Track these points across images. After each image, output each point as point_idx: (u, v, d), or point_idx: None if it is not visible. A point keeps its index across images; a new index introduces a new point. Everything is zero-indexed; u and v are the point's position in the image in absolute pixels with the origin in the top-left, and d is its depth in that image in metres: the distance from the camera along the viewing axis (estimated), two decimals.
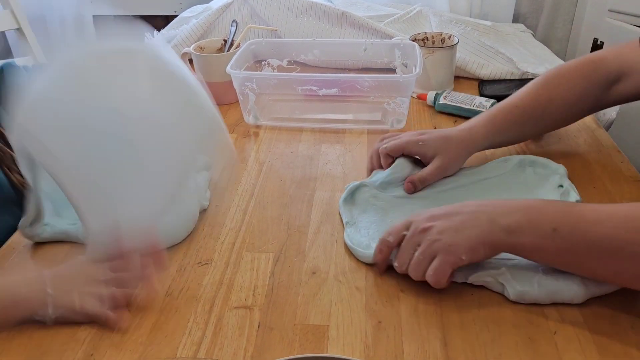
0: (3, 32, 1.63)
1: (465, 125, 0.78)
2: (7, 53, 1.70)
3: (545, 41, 1.37)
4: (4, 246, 0.70)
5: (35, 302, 0.56)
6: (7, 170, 0.80)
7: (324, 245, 0.68)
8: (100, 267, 0.60)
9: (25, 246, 0.69)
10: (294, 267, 0.65)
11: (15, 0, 1.40)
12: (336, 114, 0.99)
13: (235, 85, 0.95)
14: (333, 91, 0.93)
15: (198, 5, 1.34)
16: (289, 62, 1.07)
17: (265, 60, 1.06)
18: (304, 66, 1.10)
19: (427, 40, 1.07)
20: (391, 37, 1.11)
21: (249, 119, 0.99)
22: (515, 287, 0.57)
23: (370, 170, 0.79)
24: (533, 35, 1.35)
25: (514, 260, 0.60)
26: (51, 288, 0.56)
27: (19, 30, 1.44)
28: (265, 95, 1.00)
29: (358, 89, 0.92)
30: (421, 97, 1.03)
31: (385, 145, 0.77)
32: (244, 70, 0.98)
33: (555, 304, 0.57)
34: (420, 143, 0.75)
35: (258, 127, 0.98)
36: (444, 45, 1.05)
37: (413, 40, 1.03)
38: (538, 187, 0.74)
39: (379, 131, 0.94)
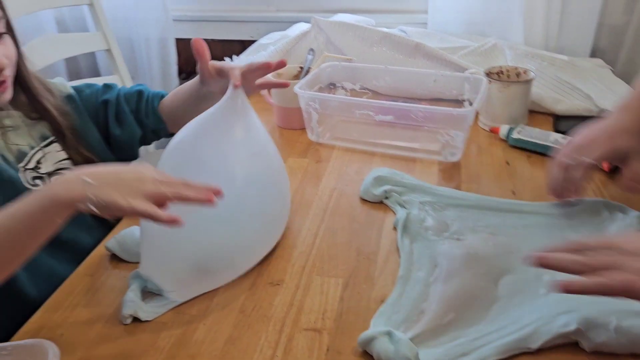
0: (93, 52, 1.75)
1: (620, 114, 0.74)
2: (95, 71, 1.82)
3: (625, 77, 1.32)
4: (87, 262, 0.75)
5: (74, 192, 0.55)
6: None
7: (393, 274, 0.69)
8: (147, 171, 0.59)
9: (107, 258, 0.74)
10: (363, 294, 0.66)
11: (106, 23, 1.51)
12: (396, 140, 1.00)
13: (301, 104, 1.00)
14: (388, 118, 0.95)
15: (275, 33, 1.40)
16: (362, 87, 1.10)
17: (339, 84, 1.10)
18: (376, 93, 1.12)
19: (502, 73, 1.06)
20: (465, 69, 1.12)
21: (312, 136, 1.04)
22: (591, 339, 0.56)
23: (557, 191, 0.76)
24: (612, 71, 1.31)
25: (584, 306, 0.58)
26: (90, 178, 0.55)
27: (108, 51, 1.54)
28: (328, 115, 1.03)
29: (413, 118, 0.93)
30: (493, 131, 1.02)
31: (597, 155, 0.71)
32: (315, 91, 1.02)
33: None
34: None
35: (331, 150, 1.00)
36: (520, 79, 1.05)
37: (487, 74, 1.03)
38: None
39: (445, 163, 0.94)
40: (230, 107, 0.68)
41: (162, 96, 0.95)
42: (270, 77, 1.06)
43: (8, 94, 0.75)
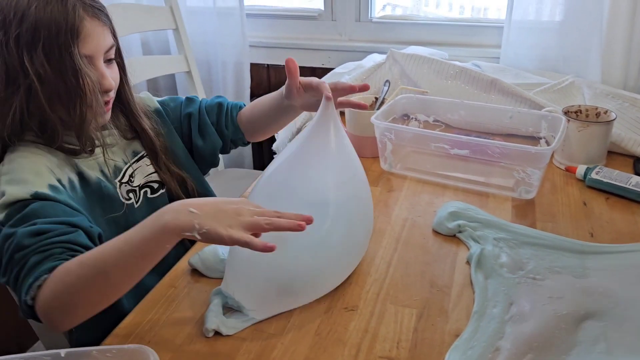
0: (173, 75, 1.85)
1: None
2: (174, 91, 1.92)
3: None
4: (171, 273, 0.79)
5: (182, 222, 0.59)
6: None
7: (467, 309, 0.69)
8: (243, 204, 0.63)
9: (188, 271, 0.78)
10: (437, 326, 0.67)
11: (189, 46, 1.59)
12: (469, 174, 1.00)
13: (377, 133, 1.02)
14: (464, 152, 0.95)
15: (350, 63, 1.44)
16: (435, 120, 1.11)
17: (413, 115, 1.12)
18: (448, 126, 1.13)
19: (581, 113, 1.05)
20: (541, 107, 1.11)
21: (384, 165, 1.06)
22: None
23: None
24: None
25: None
26: (196, 210, 0.60)
27: (188, 72, 1.63)
28: (402, 146, 1.05)
29: (489, 153, 0.93)
30: (570, 170, 1.01)
31: None
32: (389, 122, 1.04)
33: None
34: None
35: (402, 180, 1.02)
36: (599, 119, 1.03)
37: (565, 112, 1.03)
38: None
39: (519, 200, 0.94)
40: (324, 121, 0.71)
41: (241, 107, 1.00)
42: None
43: (109, 114, 0.81)
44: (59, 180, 0.74)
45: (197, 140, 0.97)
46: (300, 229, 0.60)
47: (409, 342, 0.64)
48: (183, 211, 0.60)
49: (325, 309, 0.70)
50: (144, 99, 0.95)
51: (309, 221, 0.61)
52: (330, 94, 0.72)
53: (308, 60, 1.79)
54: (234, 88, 1.81)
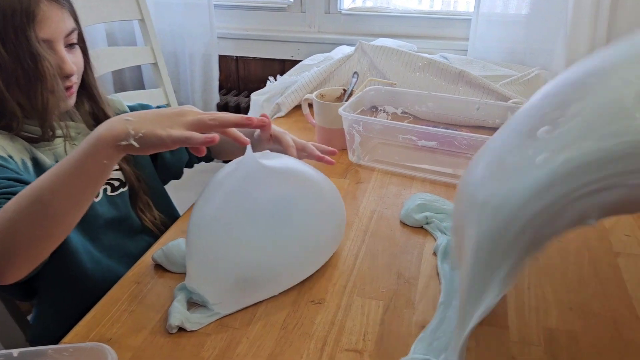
0: (139, 65, 1.81)
1: None
2: (140, 84, 1.88)
3: None
4: (134, 269, 0.77)
5: (116, 131, 0.58)
6: (141, 213, 0.89)
7: (434, 300, 0.69)
8: (189, 107, 0.63)
9: (152, 266, 0.76)
10: (404, 318, 0.66)
11: (155, 37, 1.56)
12: (437, 165, 1.01)
13: (345, 125, 1.02)
14: (431, 144, 0.95)
15: (319, 55, 1.43)
16: (403, 112, 1.12)
17: (381, 107, 1.12)
18: (417, 118, 1.13)
19: None
20: (507, 99, 1.12)
21: (352, 158, 1.05)
22: None
23: None
24: None
25: None
26: (131, 117, 0.59)
27: (155, 64, 1.59)
28: (370, 138, 1.05)
29: (456, 145, 0.93)
30: None
31: None
32: (357, 114, 1.03)
33: None
34: None
35: (370, 172, 1.02)
36: None
37: None
38: None
39: None
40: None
41: None
42: (314, 97, 1.09)
43: (72, 99, 0.79)
44: (11, 157, 0.72)
45: (165, 153, 0.95)
46: (249, 123, 0.59)
47: (375, 334, 0.64)
48: (118, 120, 0.58)
49: (292, 303, 0.69)
50: (115, 102, 0.93)
51: (262, 123, 0.62)
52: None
53: (277, 52, 1.77)
54: (201, 81, 1.79)
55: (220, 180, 0.69)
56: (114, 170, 0.86)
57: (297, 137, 0.87)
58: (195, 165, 1.03)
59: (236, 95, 1.87)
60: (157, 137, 0.58)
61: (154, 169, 0.95)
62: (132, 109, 0.94)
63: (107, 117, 0.85)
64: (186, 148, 0.96)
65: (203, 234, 0.67)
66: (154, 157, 0.95)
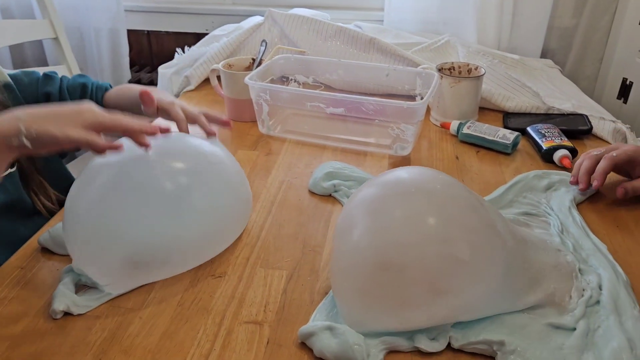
0: (40, 41, 1.69)
1: None
2: (43, 61, 1.75)
3: (573, 79, 1.36)
4: (19, 253, 0.71)
5: (5, 129, 0.54)
6: (34, 195, 0.82)
7: None
8: (87, 105, 0.58)
9: (39, 251, 0.70)
10: (307, 286, 0.65)
11: (54, 10, 1.45)
12: (348, 134, 0.99)
13: (252, 95, 0.98)
14: (339, 110, 0.94)
15: (229, 25, 1.37)
16: (315, 80, 1.09)
17: (292, 77, 1.08)
18: (328, 87, 1.11)
19: (454, 70, 1.07)
20: (418, 65, 1.12)
21: (262, 129, 1.02)
22: None
23: (578, 182, 0.80)
24: (561, 72, 1.35)
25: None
26: (23, 114, 0.54)
27: (56, 39, 1.48)
28: (280, 108, 1.02)
29: (364, 111, 0.92)
30: (444, 126, 1.03)
31: (614, 154, 0.78)
32: (266, 83, 1.00)
33: None
34: None
35: (282, 143, 0.99)
36: (471, 75, 1.06)
37: (440, 70, 1.04)
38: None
39: (396, 156, 0.94)
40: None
41: (107, 89, 0.92)
42: (220, 67, 1.04)
43: None
44: None
45: None
46: (152, 131, 0.55)
47: (277, 305, 0.62)
48: (9, 118, 0.53)
49: (191, 279, 0.66)
50: None
51: (164, 131, 0.58)
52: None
53: (190, 25, 1.70)
54: (110, 57, 1.69)
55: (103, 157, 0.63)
56: None
57: (209, 110, 0.82)
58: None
59: (149, 72, 1.78)
60: (51, 136, 0.53)
61: None
62: (15, 78, 0.86)
63: None
64: None
65: (83, 215, 0.61)
66: None
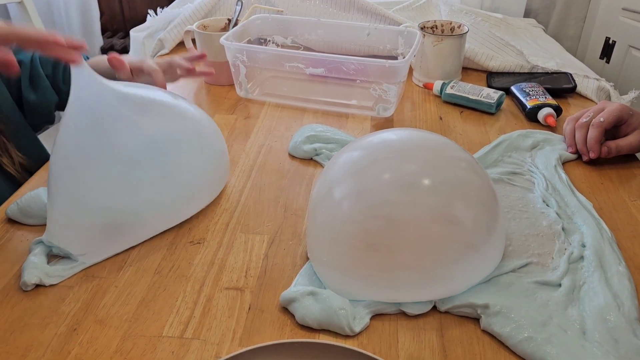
0: (5, 5, 1.61)
1: None
2: None
3: (557, 38, 1.34)
4: None
5: None
6: None
7: None
8: None
9: (6, 221, 0.67)
10: (289, 250, 0.63)
11: None
12: (329, 96, 0.97)
13: (228, 57, 0.94)
14: (319, 71, 0.90)
15: None
16: (293, 41, 1.05)
17: (270, 38, 1.05)
18: (308, 48, 1.08)
19: (436, 28, 1.04)
20: (399, 24, 1.09)
21: (240, 92, 0.98)
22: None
23: (574, 149, 0.80)
24: (544, 31, 1.33)
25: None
26: None
27: (21, 3, 1.42)
28: (258, 69, 0.98)
29: (344, 71, 0.89)
30: (427, 87, 1.01)
31: (602, 119, 0.76)
32: (243, 44, 0.96)
33: None
34: (631, 112, 0.77)
35: (261, 106, 0.96)
36: (454, 34, 1.03)
37: (422, 28, 1.01)
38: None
39: (378, 118, 0.92)
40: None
41: None
42: (195, 29, 1.00)
43: None
44: None
45: (28, 94, 0.83)
46: (55, 41, 0.50)
47: (259, 270, 0.60)
48: None
49: (169, 245, 0.63)
50: None
51: (79, 47, 0.53)
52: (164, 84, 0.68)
53: None
54: (80, 22, 1.62)
55: (75, 118, 0.60)
56: None
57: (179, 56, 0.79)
58: None
59: (122, 38, 1.72)
60: None
61: (17, 108, 0.84)
62: None
63: None
64: (56, 90, 0.85)
65: (61, 180, 0.59)
66: (18, 100, 0.83)
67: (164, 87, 0.65)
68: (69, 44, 0.53)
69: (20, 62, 0.82)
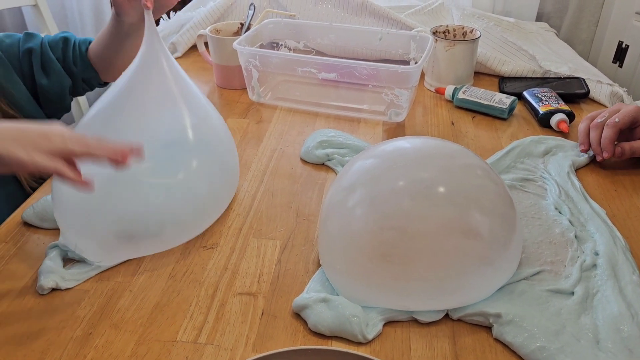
0: (19, 8, 1.62)
1: None
2: (23, 28, 1.69)
3: (569, 42, 1.33)
4: (3, 228, 0.69)
5: None
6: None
7: None
8: (56, 127, 0.53)
9: (22, 225, 0.68)
10: (301, 255, 0.63)
11: None
12: (341, 101, 0.97)
13: (241, 61, 0.95)
14: (332, 75, 0.91)
15: None
16: (306, 46, 1.06)
17: (282, 42, 1.05)
18: (320, 52, 1.08)
19: (449, 33, 1.04)
20: (411, 29, 1.09)
21: (253, 96, 0.99)
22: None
23: (586, 147, 0.80)
24: (557, 35, 1.32)
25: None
26: None
27: (35, 6, 1.43)
28: (270, 74, 0.98)
29: (357, 76, 0.89)
30: (439, 91, 1.00)
31: (617, 120, 0.76)
32: (255, 48, 0.97)
33: None
34: None
35: (273, 110, 0.96)
36: (466, 38, 1.03)
37: (434, 33, 1.01)
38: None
39: (390, 123, 0.92)
40: (149, 44, 0.61)
41: (90, 42, 0.88)
42: (208, 33, 1.00)
43: None
44: None
45: (40, 78, 0.84)
46: (122, 160, 0.52)
47: (271, 275, 0.60)
48: None
49: (182, 250, 0.64)
50: None
51: (137, 153, 0.53)
52: (150, 3, 0.61)
53: None
54: (93, 23, 1.63)
55: (87, 123, 0.61)
56: None
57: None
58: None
59: None
60: (18, 160, 0.49)
61: (37, 104, 0.85)
62: None
63: None
64: (68, 73, 0.86)
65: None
66: (33, 89, 0.85)
67: (148, 8, 0.62)
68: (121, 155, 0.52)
69: (30, 50, 0.84)
